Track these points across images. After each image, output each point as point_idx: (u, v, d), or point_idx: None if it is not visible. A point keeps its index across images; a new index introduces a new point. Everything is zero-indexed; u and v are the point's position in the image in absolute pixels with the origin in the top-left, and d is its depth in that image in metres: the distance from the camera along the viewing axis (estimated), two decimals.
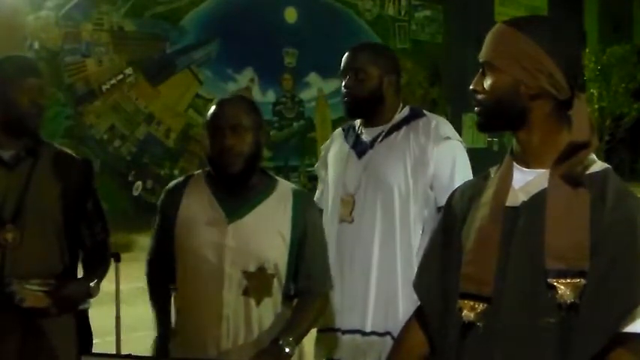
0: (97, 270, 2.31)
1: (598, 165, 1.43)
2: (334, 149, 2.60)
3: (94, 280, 2.21)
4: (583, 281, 1.31)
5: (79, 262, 2.32)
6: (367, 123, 2.49)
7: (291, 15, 13.42)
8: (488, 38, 1.48)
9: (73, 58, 10.74)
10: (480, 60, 1.48)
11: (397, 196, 2.35)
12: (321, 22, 13.61)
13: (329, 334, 2.44)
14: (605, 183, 1.38)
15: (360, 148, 2.47)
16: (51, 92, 2.37)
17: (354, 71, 2.41)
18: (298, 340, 2.01)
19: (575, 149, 1.40)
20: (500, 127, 1.50)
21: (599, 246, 1.32)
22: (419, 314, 1.62)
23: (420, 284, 1.62)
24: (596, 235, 1.33)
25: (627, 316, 1.29)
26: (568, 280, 1.31)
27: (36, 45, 10.21)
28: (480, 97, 1.48)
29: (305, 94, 13.73)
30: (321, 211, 2.56)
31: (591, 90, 16.45)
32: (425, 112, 2.49)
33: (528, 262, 1.37)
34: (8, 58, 2.22)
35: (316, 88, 13.79)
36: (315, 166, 2.76)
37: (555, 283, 1.32)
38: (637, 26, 20.77)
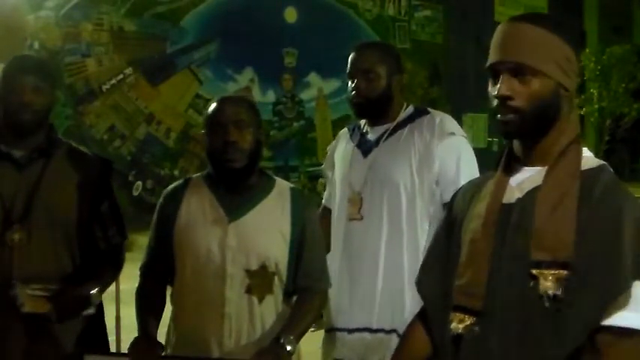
0: (105, 274, 2.25)
1: (594, 162, 1.43)
2: (340, 149, 2.60)
3: (98, 286, 2.15)
4: (565, 272, 1.30)
5: (92, 264, 2.24)
6: (373, 122, 2.49)
7: (291, 15, 13.43)
8: (516, 38, 1.40)
9: (73, 58, 10.76)
10: (508, 61, 1.39)
11: (403, 193, 2.35)
12: (321, 22, 13.63)
13: (336, 333, 2.44)
14: (596, 178, 1.38)
15: (365, 147, 2.47)
16: (51, 93, 2.31)
17: (364, 72, 2.40)
18: (299, 338, 2.02)
19: (571, 144, 1.41)
20: (534, 134, 1.42)
21: (584, 238, 1.32)
22: (422, 314, 1.62)
23: (423, 284, 1.62)
24: (583, 227, 1.32)
25: (609, 306, 1.29)
26: (551, 272, 1.31)
27: (36, 45, 10.22)
28: (514, 103, 1.38)
29: (305, 94, 13.75)
30: (330, 211, 2.57)
31: (591, 90, 16.45)
32: (429, 109, 2.50)
33: (518, 257, 1.37)
34: (13, 58, 2.22)
35: (316, 88, 13.81)
36: (322, 167, 2.75)
37: (538, 274, 1.32)
38: (637, 26, 20.79)
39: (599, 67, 16.32)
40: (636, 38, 19.83)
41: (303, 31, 13.37)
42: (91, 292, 2.12)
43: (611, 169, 1.43)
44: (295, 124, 13.60)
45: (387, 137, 2.43)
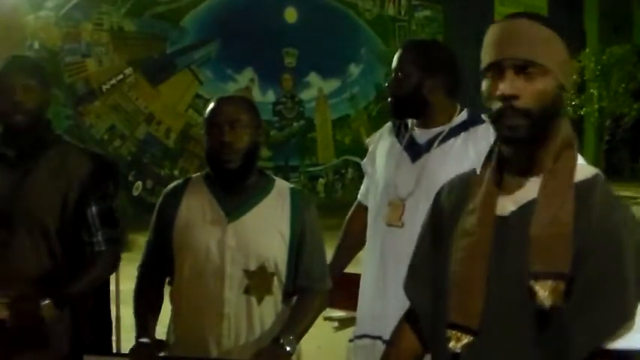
0: (75, 283, 2.12)
1: (588, 171, 1.38)
2: (383, 145, 2.50)
3: (63, 295, 2.06)
4: (562, 284, 1.25)
5: (73, 269, 2.16)
6: (420, 124, 2.40)
7: (291, 15, 13.41)
8: (521, 34, 1.32)
9: (73, 58, 10.74)
10: (513, 57, 1.31)
11: None
12: (321, 22, 13.61)
13: (367, 340, 2.38)
14: (592, 190, 1.33)
15: (414, 151, 2.37)
16: (43, 92, 2.27)
17: (395, 70, 2.36)
18: (298, 339, 2.02)
19: (565, 149, 1.36)
20: (538, 140, 1.33)
21: (583, 255, 1.27)
22: (409, 317, 1.60)
23: (410, 286, 1.58)
24: (580, 241, 1.28)
25: (612, 335, 1.26)
26: (549, 282, 1.26)
27: (36, 45, 10.21)
28: (521, 103, 1.29)
29: (305, 94, 13.71)
30: (365, 208, 2.52)
31: (591, 90, 16.43)
32: (484, 117, 2.35)
33: (517, 271, 1.32)
34: (5, 60, 2.20)
35: (316, 88, 13.78)
36: (362, 162, 2.64)
37: (536, 287, 1.27)
38: (637, 26, 20.77)
39: (599, 67, 16.30)
40: (636, 38, 19.80)
41: (303, 31, 13.34)
42: (43, 303, 2.01)
43: (604, 178, 1.38)
44: (295, 124, 13.57)
45: (439, 144, 2.33)
